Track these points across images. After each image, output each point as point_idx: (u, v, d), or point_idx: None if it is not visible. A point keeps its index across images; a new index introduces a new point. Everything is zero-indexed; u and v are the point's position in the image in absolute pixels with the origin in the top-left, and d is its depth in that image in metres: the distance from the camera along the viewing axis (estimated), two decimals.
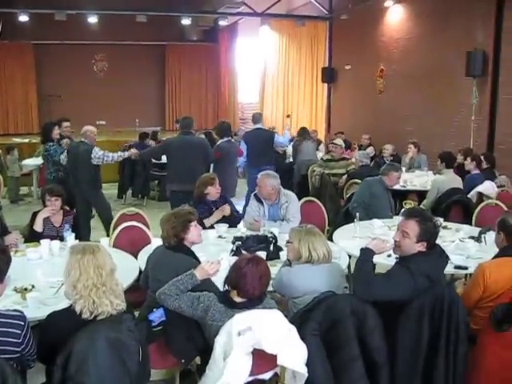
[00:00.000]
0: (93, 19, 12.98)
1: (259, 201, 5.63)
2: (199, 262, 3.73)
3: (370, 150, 10.25)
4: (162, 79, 18.69)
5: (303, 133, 10.48)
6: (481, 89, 9.61)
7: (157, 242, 4.68)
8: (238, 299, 3.25)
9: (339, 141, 8.58)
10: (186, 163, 7.03)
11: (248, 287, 3.22)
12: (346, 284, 3.87)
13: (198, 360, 3.60)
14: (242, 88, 18.23)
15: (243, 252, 4.29)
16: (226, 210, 5.52)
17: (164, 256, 3.92)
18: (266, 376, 3.32)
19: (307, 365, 3.08)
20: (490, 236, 5.03)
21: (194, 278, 3.41)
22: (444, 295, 3.37)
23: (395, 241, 3.67)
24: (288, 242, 3.95)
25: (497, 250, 4.15)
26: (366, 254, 3.63)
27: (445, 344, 3.35)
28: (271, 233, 4.67)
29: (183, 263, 3.70)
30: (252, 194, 5.81)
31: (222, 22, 14.69)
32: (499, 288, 3.72)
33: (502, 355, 3.43)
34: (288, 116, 15.33)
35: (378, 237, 3.93)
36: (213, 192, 5.60)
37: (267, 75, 16.73)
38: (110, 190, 10.37)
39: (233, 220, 5.55)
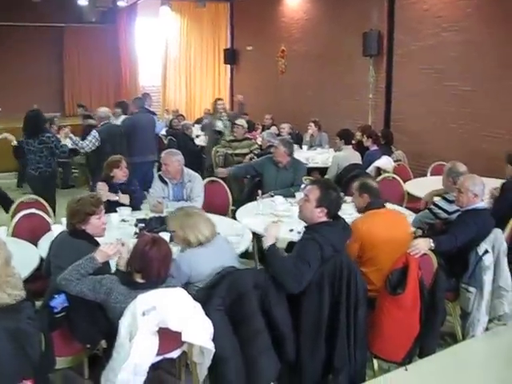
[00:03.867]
0: None
1: (163, 181, 5.63)
2: None
3: (274, 130, 10.37)
4: (60, 63, 17.93)
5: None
6: (377, 68, 9.98)
7: (57, 228, 4.55)
8: (140, 280, 3.24)
9: (241, 121, 8.61)
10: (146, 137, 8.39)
11: (154, 272, 3.22)
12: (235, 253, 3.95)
13: (104, 344, 3.57)
14: (143, 71, 17.87)
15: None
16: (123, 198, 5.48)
17: (66, 243, 3.80)
18: (174, 354, 3.35)
19: (214, 340, 3.12)
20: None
21: (95, 262, 3.36)
22: (342, 263, 3.52)
23: (299, 206, 3.85)
24: (171, 231, 3.86)
25: None
26: (273, 249, 3.62)
27: (345, 309, 3.51)
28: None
29: (85, 251, 3.55)
30: (156, 175, 5.81)
31: (121, 3, 14.25)
32: (374, 238, 4.06)
33: (396, 315, 3.69)
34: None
35: (266, 228, 3.83)
36: (119, 175, 5.53)
37: (169, 57, 16.54)
38: (8, 180, 9.97)
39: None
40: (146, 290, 3.11)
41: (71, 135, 7.55)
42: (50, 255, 3.90)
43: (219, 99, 10.10)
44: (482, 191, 4.36)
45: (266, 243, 3.68)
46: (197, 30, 16.25)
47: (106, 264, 3.57)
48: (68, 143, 7.54)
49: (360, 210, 4.50)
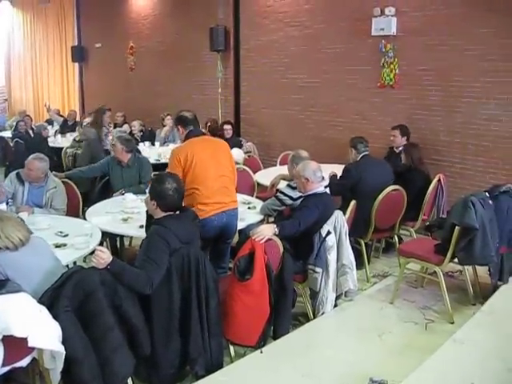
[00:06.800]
0: None
1: (20, 180, 5.42)
2: None
3: (126, 128, 10.25)
4: None
5: None
6: (225, 63, 10.17)
7: None
8: None
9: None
10: None
11: None
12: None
13: None
14: None
15: None
16: None
17: None
18: (24, 363, 3.22)
19: (64, 342, 3.05)
20: None
21: None
22: (190, 254, 3.58)
23: None
24: None
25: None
26: (114, 266, 3.41)
27: (196, 299, 3.58)
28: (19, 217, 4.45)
29: None
30: (15, 172, 5.56)
31: None
32: (192, 158, 4.54)
33: (246, 301, 3.83)
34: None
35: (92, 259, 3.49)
36: None
37: (13, 56, 15.71)
38: None
39: None
40: None
41: None
42: None
43: (105, 108, 8.21)
44: (315, 176, 4.56)
45: (106, 266, 3.40)
46: (42, 27, 15.55)
47: None
48: None
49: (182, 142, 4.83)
